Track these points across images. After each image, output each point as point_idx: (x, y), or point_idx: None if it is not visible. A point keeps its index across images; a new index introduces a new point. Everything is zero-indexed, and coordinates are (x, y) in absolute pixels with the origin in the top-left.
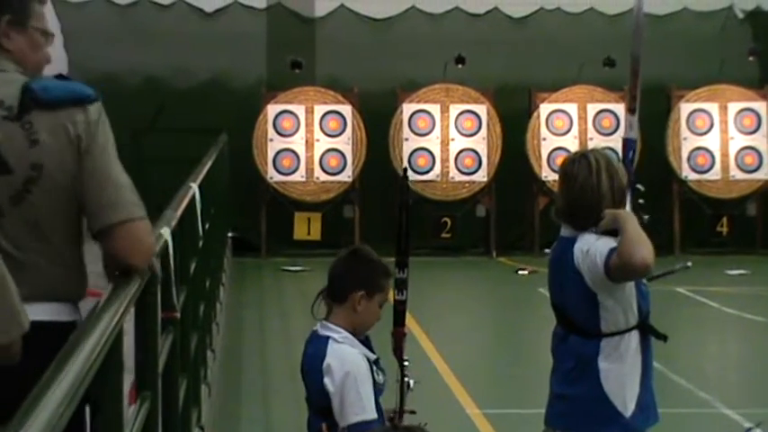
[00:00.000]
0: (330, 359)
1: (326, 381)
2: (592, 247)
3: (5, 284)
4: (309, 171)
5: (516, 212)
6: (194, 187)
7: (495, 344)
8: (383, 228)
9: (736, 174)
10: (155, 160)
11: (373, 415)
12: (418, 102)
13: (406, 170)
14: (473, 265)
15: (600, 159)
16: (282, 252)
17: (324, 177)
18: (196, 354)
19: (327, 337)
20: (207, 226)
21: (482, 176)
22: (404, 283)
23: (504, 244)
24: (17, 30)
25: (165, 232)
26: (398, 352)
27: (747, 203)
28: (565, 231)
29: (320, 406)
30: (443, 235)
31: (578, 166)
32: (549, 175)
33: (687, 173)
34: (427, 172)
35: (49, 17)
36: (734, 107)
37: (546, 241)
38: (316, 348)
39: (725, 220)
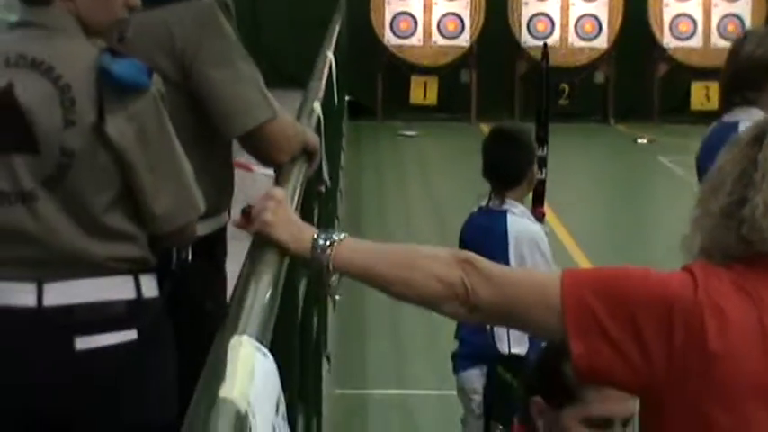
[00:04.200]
0: (513, 230)
1: (510, 251)
2: None
3: (183, 169)
4: (427, 35)
5: (636, 80)
6: (330, 56)
7: (616, 215)
8: (500, 93)
9: (717, 41)
10: (269, 22)
11: None
12: None
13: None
14: (591, 132)
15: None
16: (398, 116)
17: (441, 41)
18: (328, 222)
19: (505, 211)
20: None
21: (602, 42)
22: (544, 161)
23: (623, 112)
24: None
25: (317, 107)
26: None
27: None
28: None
29: None
30: (561, 102)
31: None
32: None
33: (668, 40)
34: (546, 37)
35: None
36: None
37: (666, 109)
38: (492, 221)
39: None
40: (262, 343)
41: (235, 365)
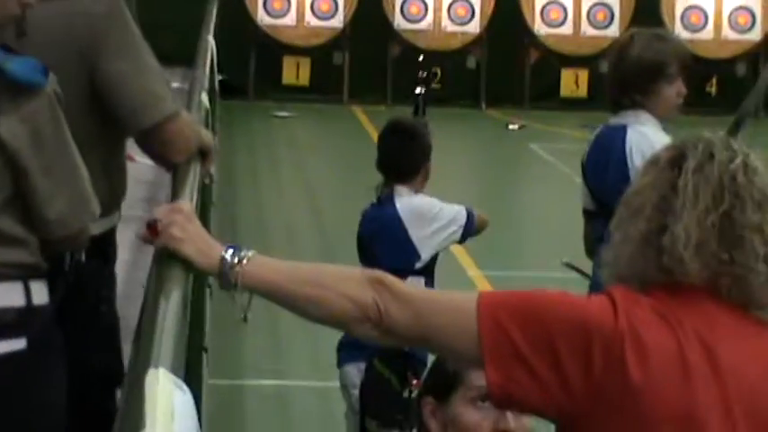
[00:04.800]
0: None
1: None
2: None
3: (77, 172)
4: (300, 15)
5: (507, 66)
6: (211, 41)
7: (488, 202)
8: (372, 76)
9: (728, 34)
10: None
11: None
12: None
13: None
14: (462, 117)
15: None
16: (270, 97)
17: (315, 22)
18: (203, 208)
19: (393, 197)
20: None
21: (474, 27)
22: None
23: (494, 97)
24: None
25: (204, 99)
26: None
27: (738, 64)
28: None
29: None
30: (433, 85)
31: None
32: (541, 29)
33: (680, 31)
34: (419, 21)
35: None
36: None
37: (537, 95)
38: (383, 210)
39: (714, 80)
40: (177, 374)
41: (154, 405)
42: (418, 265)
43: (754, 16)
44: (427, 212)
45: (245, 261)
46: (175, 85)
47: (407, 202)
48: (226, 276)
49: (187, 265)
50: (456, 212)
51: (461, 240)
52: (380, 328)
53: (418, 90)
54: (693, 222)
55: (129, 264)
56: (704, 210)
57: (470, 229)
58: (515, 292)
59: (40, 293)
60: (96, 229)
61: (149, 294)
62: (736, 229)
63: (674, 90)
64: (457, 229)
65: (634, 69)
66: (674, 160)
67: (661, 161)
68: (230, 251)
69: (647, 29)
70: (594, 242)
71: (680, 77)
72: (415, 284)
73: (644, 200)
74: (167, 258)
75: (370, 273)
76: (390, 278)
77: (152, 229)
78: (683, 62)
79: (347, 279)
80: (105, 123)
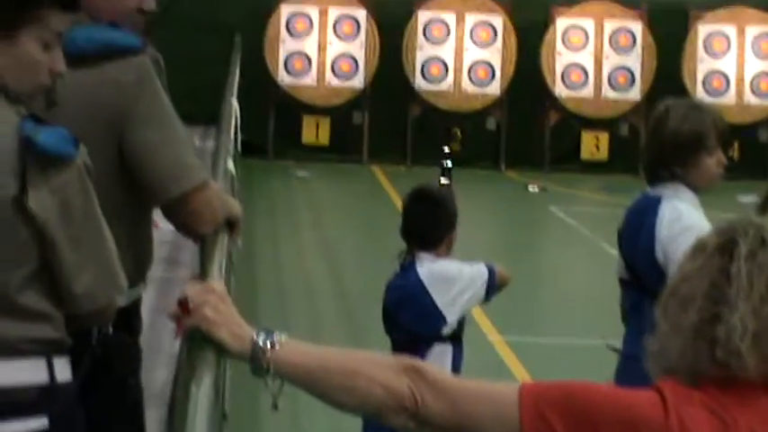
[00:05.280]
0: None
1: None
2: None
3: (106, 245)
4: (321, 74)
5: (527, 127)
6: (235, 104)
7: (509, 265)
8: (392, 136)
9: (750, 98)
10: (163, 55)
11: None
12: (434, 9)
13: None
14: (482, 179)
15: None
16: (289, 156)
17: (335, 82)
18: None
19: (414, 263)
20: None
21: (495, 89)
22: None
23: (514, 158)
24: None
25: (231, 166)
26: None
27: (760, 129)
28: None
29: None
30: (453, 146)
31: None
32: (562, 92)
33: (701, 95)
34: (439, 82)
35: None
36: (752, 30)
37: (557, 157)
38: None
39: (736, 144)
40: None
41: None
42: (445, 330)
43: None
44: (449, 275)
45: (277, 346)
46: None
47: (429, 267)
48: (258, 362)
49: (219, 348)
50: (477, 270)
51: (487, 298)
52: (417, 419)
53: (446, 149)
54: (749, 313)
55: (147, 325)
56: (760, 299)
57: (493, 285)
58: (559, 383)
59: (64, 370)
60: (122, 300)
61: (181, 379)
62: None
63: (715, 160)
64: (480, 286)
65: (672, 142)
66: (724, 246)
67: (709, 247)
68: (262, 335)
69: (679, 99)
70: (628, 312)
71: (719, 147)
72: (442, 353)
73: (693, 288)
74: (199, 341)
75: (404, 361)
76: (426, 366)
77: (183, 307)
78: (721, 132)
79: (382, 367)
80: (133, 193)
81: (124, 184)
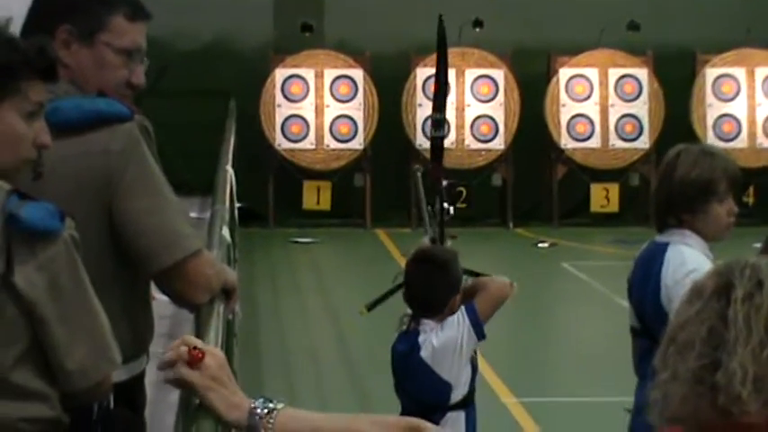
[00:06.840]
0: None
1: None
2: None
3: (97, 319)
4: (319, 138)
5: (534, 182)
6: (231, 172)
7: (522, 324)
8: (395, 197)
9: (763, 141)
10: (156, 124)
11: None
12: (433, 66)
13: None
14: (489, 236)
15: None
16: (291, 223)
17: (334, 145)
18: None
19: (417, 333)
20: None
21: (499, 144)
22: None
23: (522, 214)
24: (81, 43)
25: (226, 235)
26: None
27: None
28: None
29: None
30: (458, 205)
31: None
32: (568, 143)
33: (712, 140)
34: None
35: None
36: (761, 72)
37: (566, 211)
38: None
39: (751, 189)
40: None
41: None
42: (454, 397)
43: None
44: (451, 349)
45: (274, 413)
46: (193, 215)
47: (431, 346)
48: (255, 430)
49: (216, 417)
50: (455, 322)
51: (480, 336)
52: None
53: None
54: (749, 357)
55: (150, 401)
56: (759, 343)
57: (476, 319)
58: None
59: None
60: (122, 375)
61: None
62: None
63: (725, 209)
64: (466, 331)
65: (681, 188)
66: (720, 289)
67: (706, 291)
68: (260, 403)
69: (692, 144)
70: (638, 361)
71: (730, 195)
72: (456, 420)
73: (691, 334)
74: (194, 411)
75: (406, 420)
76: (429, 426)
77: (193, 355)
78: (733, 179)
79: (383, 427)
80: (125, 264)
81: (116, 254)
